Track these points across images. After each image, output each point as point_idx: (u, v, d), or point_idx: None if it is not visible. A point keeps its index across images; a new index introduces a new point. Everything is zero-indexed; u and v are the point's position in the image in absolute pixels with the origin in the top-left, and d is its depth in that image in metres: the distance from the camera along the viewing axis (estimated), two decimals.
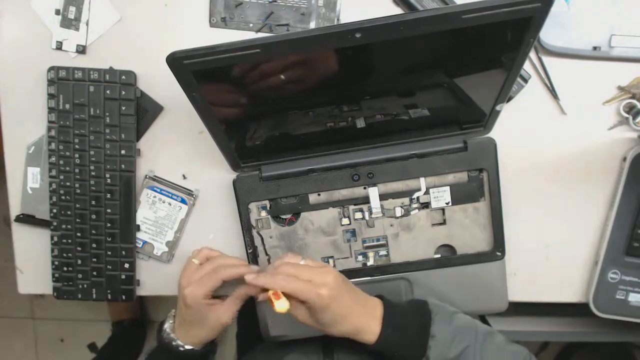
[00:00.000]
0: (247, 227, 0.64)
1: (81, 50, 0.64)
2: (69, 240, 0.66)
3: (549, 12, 0.42)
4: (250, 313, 0.68)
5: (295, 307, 0.53)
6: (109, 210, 0.66)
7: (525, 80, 0.62)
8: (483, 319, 0.79)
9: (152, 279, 0.69)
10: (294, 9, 0.62)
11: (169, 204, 0.67)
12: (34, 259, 0.69)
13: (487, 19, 0.42)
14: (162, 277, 0.69)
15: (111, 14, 0.64)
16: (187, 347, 0.60)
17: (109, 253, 0.67)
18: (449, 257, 0.64)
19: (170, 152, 0.67)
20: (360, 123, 0.59)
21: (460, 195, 0.63)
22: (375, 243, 0.64)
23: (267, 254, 0.65)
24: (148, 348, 0.64)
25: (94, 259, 0.67)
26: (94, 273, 0.67)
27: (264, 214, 0.64)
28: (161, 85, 0.65)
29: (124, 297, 0.68)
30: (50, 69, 0.63)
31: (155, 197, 0.67)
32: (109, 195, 0.65)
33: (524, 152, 0.64)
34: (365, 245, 0.64)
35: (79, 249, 0.67)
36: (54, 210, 0.66)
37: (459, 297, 0.65)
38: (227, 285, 0.59)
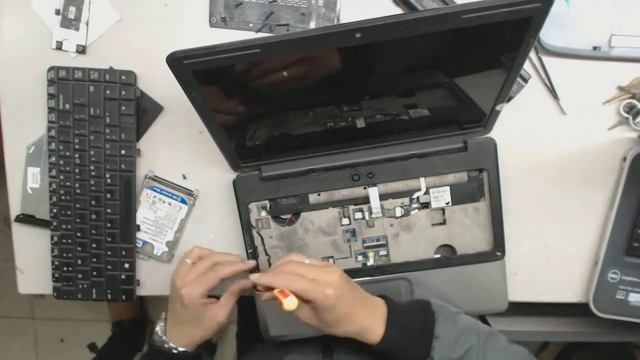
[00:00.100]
0: (247, 227, 0.64)
1: (81, 50, 0.64)
2: (69, 240, 0.66)
3: (549, 12, 0.42)
4: (250, 313, 0.68)
5: (299, 306, 0.52)
6: (109, 210, 0.66)
7: (525, 80, 0.62)
8: (483, 319, 0.79)
9: (152, 279, 0.69)
10: (294, 9, 0.62)
11: (169, 204, 0.67)
12: (34, 259, 0.69)
13: (487, 19, 0.42)
14: (162, 277, 0.69)
15: (111, 14, 0.64)
16: (180, 349, 0.59)
17: (109, 253, 0.67)
18: (449, 257, 0.64)
19: (170, 152, 0.67)
20: (360, 123, 0.59)
21: (460, 195, 0.63)
22: (375, 243, 0.64)
23: (267, 254, 0.65)
24: (140, 353, 0.64)
25: (94, 259, 0.67)
26: (94, 273, 0.67)
27: (264, 214, 0.64)
28: (161, 85, 0.65)
29: (124, 297, 0.68)
30: (50, 69, 0.63)
31: (155, 197, 0.67)
32: (109, 195, 0.65)
33: (524, 152, 0.64)
34: (365, 245, 0.64)
35: (79, 249, 0.67)
36: (54, 210, 0.66)
37: (459, 297, 0.65)
38: (223, 283, 0.59)
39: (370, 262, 0.65)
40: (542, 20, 0.43)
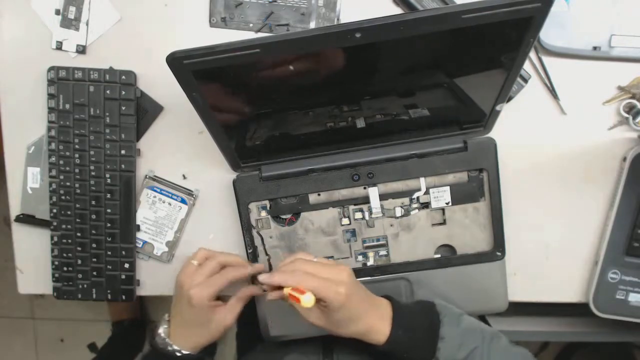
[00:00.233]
0: (247, 227, 0.64)
1: (81, 50, 0.64)
2: (69, 240, 0.66)
3: (549, 12, 0.42)
4: (250, 313, 0.68)
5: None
6: (109, 210, 0.66)
7: (525, 80, 0.62)
8: (483, 319, 0.79)
9: (152, 279, 0.69)
10: (294, 9, 0.62)
11: (169, 204, 0.67)
12: (34, 259, 0.69)
13: (487, 19, 0.42)
14: (162, 277, 0.69)
15: (111, 14, 0.64)
16: (184, 351, 0.59)
17: (109, 253, 0.67)
18: (449, 257, 0.64)
19: (170, 152, 0.67)
20: (360, 123, 0.59)
21: (460, 195, 0.63)
22: (375, 243, 0.64)
23: (267, 254, 0.65)
24: (142, 353, 0.63)
25: (94, 259, 0.67)
26: (94, 273, 0.67)
27: (264, 214, 0.64)
28: (161, 85, 0.65)
29: (124, 297, 0.68)
30: (50, 69, 0.63)
31: (155, 197, 0.67)
32: (109, 195, 0.65)
33: (524, 152, 0.64)
34: (365, 245, 0.64)
35: (79, 249, 0.67)
36: (54, 210, 0.66)
37: (459, 297, 0.65)
38: (230, 286, 0.59)
39: (370, 262, 0.65)
40: (542, 20, 0.43)
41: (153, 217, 0.68)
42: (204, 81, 0.47)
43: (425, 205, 0.63)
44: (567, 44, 0.60)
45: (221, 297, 0.61)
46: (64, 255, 0.67)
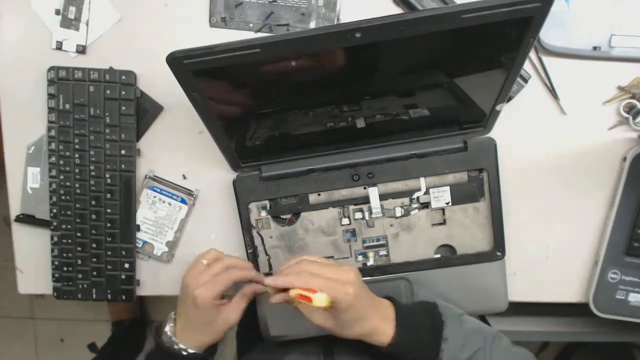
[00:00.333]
0: (247, 227, 0.64)
1: (81, 50, 0.64)
2: (69, 240, 0.66)
3: (549, 12, 0.42)
4: (251, 313, 0.68)
5: (312, 308, 0.52)
6: (109, 210, 0.66)
7: (525, 80, 0.62)
8: (483, 319, 0.79)
9: (152, 279, 0.69)
10: (294, 9, 0.62)
11: (169, 204, 0.67)
12: (34, 259, 0.69)
13: (486, 19, 0.42)
14: (162, 277, 0.69)
15: (111, 14, 0.64)
16: (190, 350, 0.59)
17: (109, 253, 0.67)
18: (449, 257, 0.64)
19: (170, 152, 0.67)
20: (360, 123, 0.59)
21: (460, 195, 0.63)
22: (375, 243, 0.64)
23: (267, 254, 0.65)
24: (146, 349, 0.63)
25: (94, 259, 0.67)
26: (94, 273, 0.67)
27: (264, 214, 0.64)
28: (161, 85, 0.65)
29: (124, 297, 0.68)
30: (50, 69, 0.63)
31: (155, 197, 0.67)
32: (109, 195, 0.65)
33: (524, 152, 0.64)
34: (365, 245, 0.64)
35: (79, 249, 0.67)
36: (54, 210, 0.66)
37: (459, 297, 0.65)
38: (234, 286, 0.59)
39: (370, 262, 0.65)
40: (542, 20, 0.43)
41: (153, 217, 0.68)
42: (204, 81, 0.47)
43: (425, 205, 0.63)
44: (567, 44, 0.60)
45: (225, 296, 0.61)
46: (64, 255, 0.67)
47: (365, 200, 0.63)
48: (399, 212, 0.63)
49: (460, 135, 0.61)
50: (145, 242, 0.68)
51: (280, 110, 0.56)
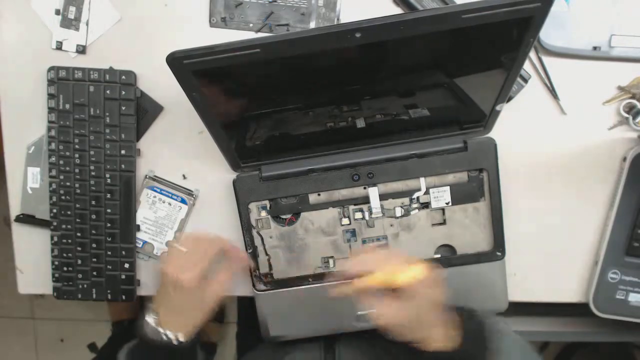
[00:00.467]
0: (247, 227, 0.64)
1: (81, 50, 0.64)
2: (69, 240, 0.66)
3: (549, 12, 0.42)
4: (251, 313, 0.68)
5: (384, 301, 0.50)
6: (109, 210, 0.66)
7: (525, 80, 0.62)
8: None
9: (152, 279, 0.69)
10: (294, 9, 0.62)
11: (169, 204, 0.67)
12: (34, 259, 0.69)
13: (487, 19, 0.42)
14: None
15: (111, 14, 0.64)
16: (181, 338, 0.57)
17: (109, 253, 0.67)
18: (449, 257, 0.64)
19: (170, 152, 0.67)
20: (360, 123, 0.59)
21: (460, 195, 0.63)
22: (375, 243, 0.64)
23: (267, 254, 0.65)
24: (127, 345, 0.61)
25: (94, 259, 0.67)
26: (94, 273, 0.67)
27: (264, 214, 0.64)
28: (161, 85, 0.65)
29: (124, 297, 0.68)
30: (50, 69, 0.63)
31: (155, 197, 0.67)
32: (109, 195, 0.65)
33: (524, 152, 0.64)
34: (365, 245, 0.64)
35: (79, 249, 0.67)
36: (54, 210, 0.66)
37: (459, 297, 0.65)
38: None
39: None
40: (542, 20, 0.43)
41: (153, 217, 0.68)
42: (204, 81, 0.47)
43: (425, 205, 0.63)
44: (567, 44, 0.60)
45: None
46: (64, 255, 0.67)
47: (365, 200, 0.63)
48: (399, 212, 0.63)
49: (460, 135, 0.61)
50: (145, 242, 0.68)
51: (280, 110, 0.56)
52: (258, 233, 0.64)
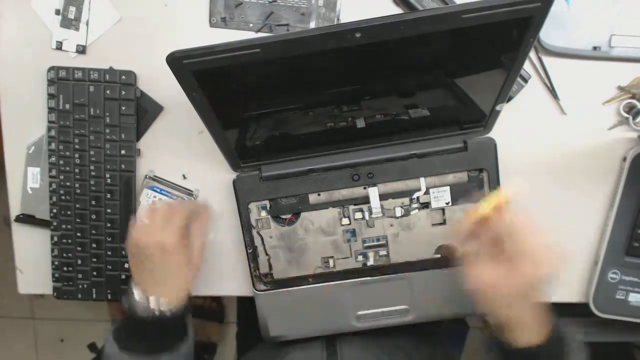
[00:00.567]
0: (247, 227, 0.64)
1: (81, 50, 0.64)
2: (69, 240, 0.66)
3: (549, 12, 0.42)
4: (251, 313, 0.68)
5: (485, 263, 0.47)
6: (109, 210, 0.66)
7: (525, 80, 0.62)
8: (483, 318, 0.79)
9: None
10: (294, 9, 0.62)
11: None
12: (34, 259, 0.69)
13: (487, 19, 0.42)
14: None
15: (111, 14, 0.64)
16: (173, 309, 0.55)
17: (109, 253, 0.67)
18: (449, 257, 0.64)
19: (170, 152, 0.67)
20: (360, 123, 0.59)
21: (460, 196, 0.63)
22: (375, 243, 0.64)
23: (267, 254, 0.65)
24: (112, 327, 0.58)
25: (94, 259, 0.67)
26: (94, 273, 0.67)
27: (264, 214, 0.64)
28: (161, 85, 0.65)
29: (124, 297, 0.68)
30: (50, 69, 0.63)
31: (155, 197, 0.67)
32: (109, 195, 0.65)
33: (524, 152, 0.64)
34: (365, 245, 0.64)
35: (79, 249, 0.67)
36: (54, 210, 0.66)
37: (459, 297, 0.65)
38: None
39: (370, 262, 0.65)
40: (542, 20, 0.43)
41: None
42: (204, 81, 0.47)
43: (425, 205, 0.63)
44: (567, 44, 0.60)
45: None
46: (64, 255, 0.67)
47: (365, 200, 0.63)
48: (399, 212, 0.63)
49: (460, 135, 0.61)
50: None
51: (281, 110, 0.56)
52: (258, 233, 0.64)
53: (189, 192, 0.67)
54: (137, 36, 0.64)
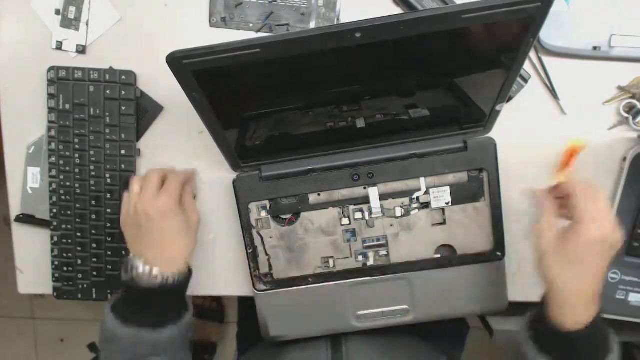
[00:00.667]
0: (247, 227, 0.64)
1: (81, 50, 0.64)
2: (69, 240, 0.66)
3: (549, 12, 0.42)
4: (251, 313, 0.68)
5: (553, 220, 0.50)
6: (109, 210, 0.66)
7: (525, 80, 0.62)
8: (483, 319, 0.79)
9: None
10: (294, 9, 0.62)
11: None
12: (34, 259, 0.69)
13: (487, 19, 0.42)
14: None
15: (111, 14, 0.64)
16: (176, 277, 0.54)
17: (109, 253, 0.67)
18: (449, 257, 0.64)
19: (170, 152, 0.67)
20: (360, 123, 0.59)
21: (460, 195, 0.63)
22: (375, 243, 0.64)
23: (267, 254, 0.65)
24: (114, 299, 0.57)
25: (94, 259, 0.67)
26: (94, 273, 0.67)
27: (264, 214, 0.64)
28: (161, 85, 0.65)
29: None
30: (50, 69, 0.63)
31: None
32: (109, 195, 0.65)
33: (524, 152, 0.64)
34: (365, 245, 0.64)
35: (79, 249, 0.67)
36: (54, 210, 0.66)
37: (459, 297, 0.65)
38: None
39: (370, 262, 0.65)
40: (542, 20, 0.43)
41: None
42: (204, 81, 0.47)
43: (425, 205, 0.63)
44: (567, 44, 0.60)
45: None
46: (64, 255, 0.67)
47: (365, 200, 0.63)
48: (399, 212, 0.63)
49: (460, 135, 0.61)
50: None
51: (281, 110, 0.56)
52: (258, 233, 0.64)
53: None
54: (137, 36, 0.64)
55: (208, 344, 1.41)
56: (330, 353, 0.64)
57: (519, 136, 0.64)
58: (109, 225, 0.66)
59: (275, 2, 0.61)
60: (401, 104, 0.57)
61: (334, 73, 0.51)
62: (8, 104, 0.66)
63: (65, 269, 0.67)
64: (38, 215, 0.68)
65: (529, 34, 0.44)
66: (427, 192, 0.63)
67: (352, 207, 0.63)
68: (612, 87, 0.62)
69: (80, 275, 0.67)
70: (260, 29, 0.62)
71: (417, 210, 0.63)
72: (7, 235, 0.70)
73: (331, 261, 0.65)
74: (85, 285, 0.68)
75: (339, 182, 0.62)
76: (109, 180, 0.65)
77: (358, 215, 0.64)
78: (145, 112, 0.65)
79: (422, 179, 0.62)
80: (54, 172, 0.65)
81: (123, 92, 0.63)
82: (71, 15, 0.64)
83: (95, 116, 0.64)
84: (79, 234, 0.66)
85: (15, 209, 0.68)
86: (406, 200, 0.63)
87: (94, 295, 0.68)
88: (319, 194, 0.63)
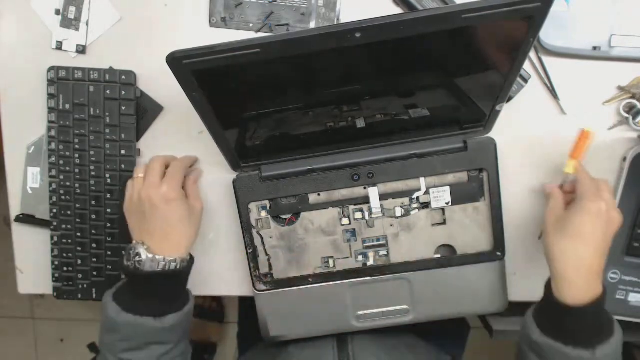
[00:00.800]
0: (247, 227, 0.64)
1: (81, 50, 0.64)
2: (69, 240, 0.66)
3: (549, 12, 0.42)
4: (251, 313, 0.68)
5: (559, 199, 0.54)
6: (109, 210, 0.66)
7: (525, 80, 0.62)
8: (483, 319, 0.79)
9: None
10: (294, 9, 0.62)
11: None
12: (34, 259, 0.69)
13: (487, 19, 0.42)
14: None
15: (111, 14, 0.64)
16: (179, 264, 0.55)
17: (109, 253, 0.67)
18: (449, 257, 0.64)
19: (170, 152, 0.66)
20: (360, 123, 0.59)
21: (460, 195, 0.63)
22: (375, 243, 0.64)
23: (267, 254, 0.65)
24: (117, 287, 0.57)
25: (94, 259, 0.67)
26: (94, 273, 0.67)
27: (264, 214, 0.64)
28: (161, 85, 0.65)
29: None
30: (50, 69, 0.63)
31: None
32: (109, 195, 0.65)
33: (524, 152, 0.64)
34: (365, 245, 0.64)
35: (79, 249, 0.67)
36: (54, 210, 0.66)
37: (459, 297, 0.65)
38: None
39: (370, 262, 0.65)
40: (542, 20, 0.43)
41: None
42: (204, 81, 0.47)
43: (425, 205, 0.63)
44: (567, 44, 0.60)
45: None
46: (64, 255, 0.67)
47: (365, 200, 0.63)
48: (399, 212, 0.63)
49: (460, 135, 0.61)
50: None
51: (280, 110, 0.56)
52: (258, 233, 0.64)
53: None
54: (137, 36, 0.64)
55: (208, 344, 1.41)
56: (336, 352, 0.64)
57: (519, 136, 0.64)
58: (109, 225, 0.66)
59: (275, 2, 0.61)
60: (401, 104, 0.57)
61: (334, 73, 0.51)
62: (8, 104, 0.66)
63: (65, 269, 0.67)
64: (38, 215, 0.68)
65: (529, 34, 0.44)
66: (427, 192, 0.63)
67: (352, 207, 0.63)
68: (612, 87, 0.62)
69: (80, 275, 0.67)
70: (260, 29, 0.62)
71: (417, 210, 0.63)
72: (7, 235, 0.70)
73: (331, 261, 0.65)
74: (85, 285, 0.68)
75: (339, 182, 0.62)
76: (109, 180, 0.65)
77: (358, 215, 0.64)
78: (145, 112, 0.65)
79: (422, 179, 0.62)
80: (54, 172, 0.65)
81: (123, 92, 0.63)
82: (71, 15, 0.64)
83: (95, 116, 0.64)
84: (79, 234, 0.66)
85: (15, 209, 0.68)
86: (406, 200, 0.63)
87: (94, 295, 0.68)
88: (319, 194, 0.63)
